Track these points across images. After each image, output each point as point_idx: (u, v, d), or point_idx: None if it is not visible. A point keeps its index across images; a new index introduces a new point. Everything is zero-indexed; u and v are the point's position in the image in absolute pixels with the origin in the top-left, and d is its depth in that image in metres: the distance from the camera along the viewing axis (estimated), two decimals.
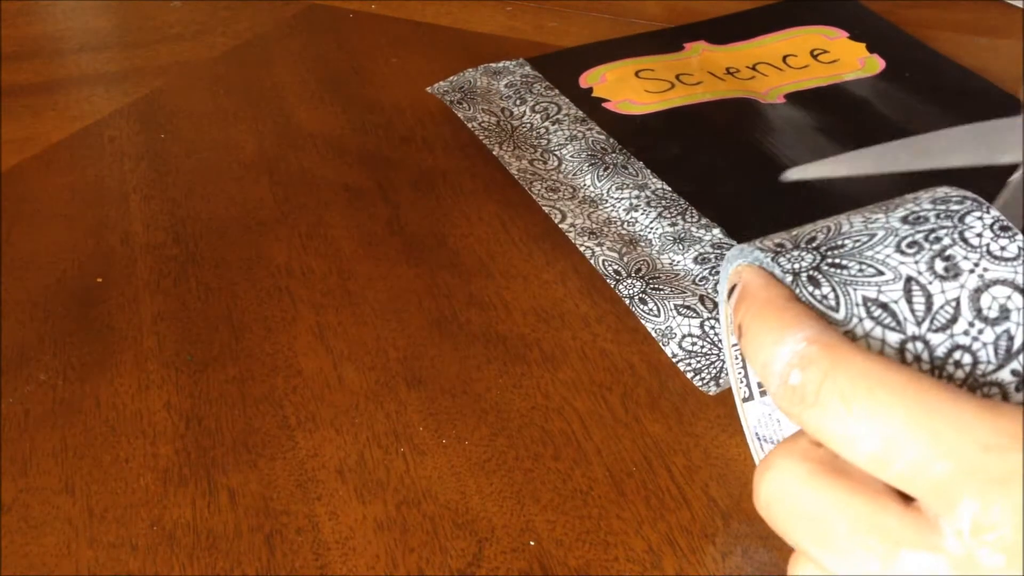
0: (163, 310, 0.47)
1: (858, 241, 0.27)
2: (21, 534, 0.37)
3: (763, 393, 0.35)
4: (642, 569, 0.35)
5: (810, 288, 0.27)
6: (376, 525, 0.37)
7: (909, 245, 0.27)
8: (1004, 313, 0.26)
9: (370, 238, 0.52)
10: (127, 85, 0.67)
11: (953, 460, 0.22)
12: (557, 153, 0.56)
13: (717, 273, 0.46)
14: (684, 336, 0.43)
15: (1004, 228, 0.27)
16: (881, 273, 0.27)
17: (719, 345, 0.42)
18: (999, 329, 0.26)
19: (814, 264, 0.27)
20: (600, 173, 0.54)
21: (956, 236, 0.27)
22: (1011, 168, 0.46)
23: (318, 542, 0.36)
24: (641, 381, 0.43)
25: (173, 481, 0.39)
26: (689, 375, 0.42)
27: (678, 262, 0.48)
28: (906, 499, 0.23)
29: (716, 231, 0.49)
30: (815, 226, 0.29)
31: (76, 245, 0.52)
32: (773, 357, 0.25)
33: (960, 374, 0.26)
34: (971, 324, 0.26)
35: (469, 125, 0.58)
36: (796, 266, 0.27)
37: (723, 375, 0.42)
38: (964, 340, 0.26)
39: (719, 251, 0.48)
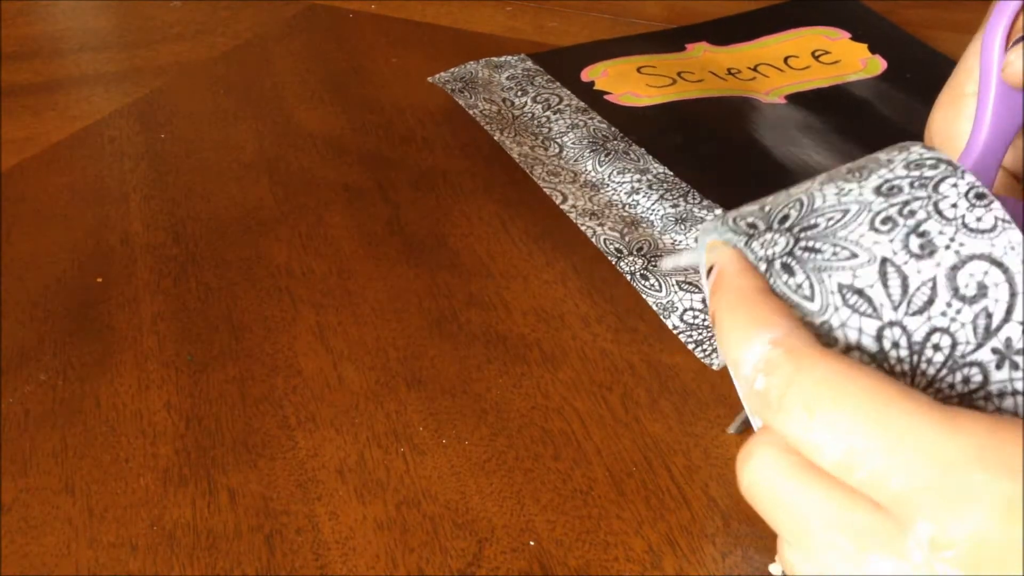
0: (163, 310, 0.47)
1: (831, 219, 0.27)
2: (21, 534, 0.37)
3: None
4: (642, 569, 0.35)
5: (784, 277, 0.26)
6: (376, 525, 0.37)
7: (883, 221, 0.26)
8: (982, 290, 0.25)
9: (370, 238, 0.52)
10: (127, 85, 0.67)
11: (911, 477, 0.22)
12: (558, 140, 0.56)
13: None
14: (686, 310, 0.44)
15: (980, 196, 0.26)
16: (855, 256, 0.26)
17: None
18: (977, 308, 0.25)
19: (787, 249, 0.27)
20: (601, 159, 0.54)
21: (931, 208, 0.26)
22: None
23: (318, 542, 0.36)
24: (641, 381, 0.43)
25: (173, 481, 0.39)
26: (690, 347, 0.42)
27: (680, 242, 0.48)
28: None
29: (719, 211, 0.49)
30: (788, 197, 0.28)
31: (76, 245, 0.51)
32: (741, 359, 0.25)
33: (939, 357, 0.25)
34: (948, 304, 0.25)
35: (470, 112, 0.59)
36: (769, 252, 0.27)
37: None
38: (942, 322, 0.25)
39: None
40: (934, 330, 0.25)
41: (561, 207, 0.51)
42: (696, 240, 0.46)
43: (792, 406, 0.23)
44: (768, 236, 0.27)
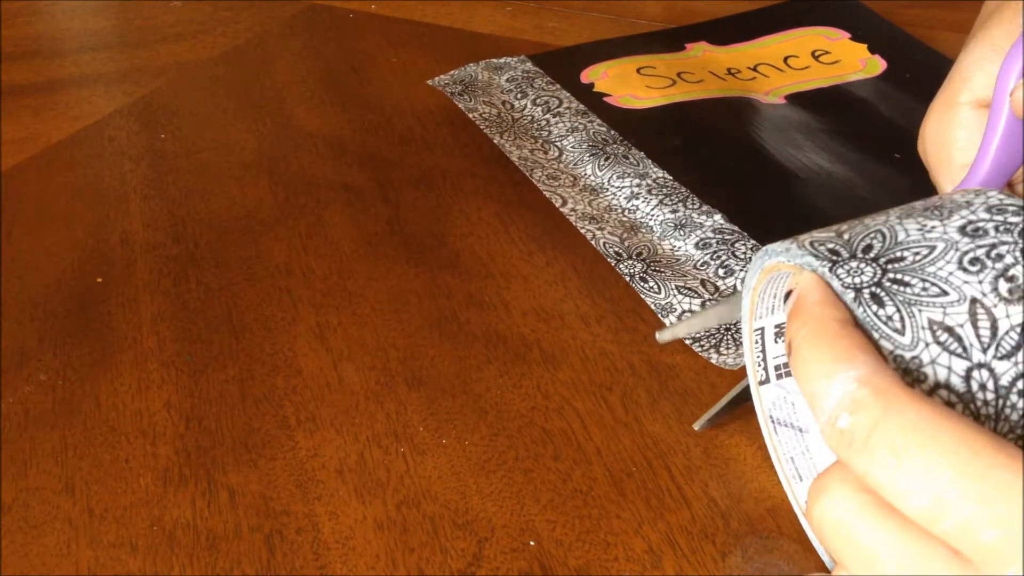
0: (163, 310, 0.47)
1: (918, 254, 0.27)
2: (21, 534, 0.37)
3: (779, 377, 0.35)
4: (642, 569, 0.35)
5: (874, 307, 0.26)
6: (376, 525, 0.37)
7: (972, 262, 0.26)
8: None
9: (370, 238, 0.52)
10: (127, 85, 0.67)
11: (1002, 528, 0.21)
12: (558, 144, 0.56)
13: (718, 258, 0.47)
14: (684, 311, 0.44)
15: None
16: (945, 293, 0.26)
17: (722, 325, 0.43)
18: None
19: (875, 279, 0.26)
20: (601, 163, 0.54)
21: (1018, 254, 0.26)
22: None
23: (318, 542, 0.36)
24: (641, 381, 0.43)
25: (173, 481, 0.39)
26: (688, 341, 0.43)
27: (679, 248, 0.48)
28: None
29: (717, 217, 0.49)
30: (865, 228, 0.28)
31: (76, 245, 0.51)
32: (822, 393, 0.25)
33: (1023, 404, 0.25)
34: None
35: (470, 115, 0.59)
36: (857, 280, 0.26)
37: (723, 345, 0.42)
38: None
39: (720, 236, 0.48)
40: (1020, 376, 0.25)
41: (561, 210, 0.51)
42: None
43: (878, 449, 0.23)
44: (853, 264, 0.27)
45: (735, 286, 0.46)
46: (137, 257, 0.51)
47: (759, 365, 0.35)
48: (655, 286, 0.45)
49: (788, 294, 0.28)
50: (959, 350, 0.25)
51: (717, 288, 0.46)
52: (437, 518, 0.37)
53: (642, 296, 0.45)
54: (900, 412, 0.23)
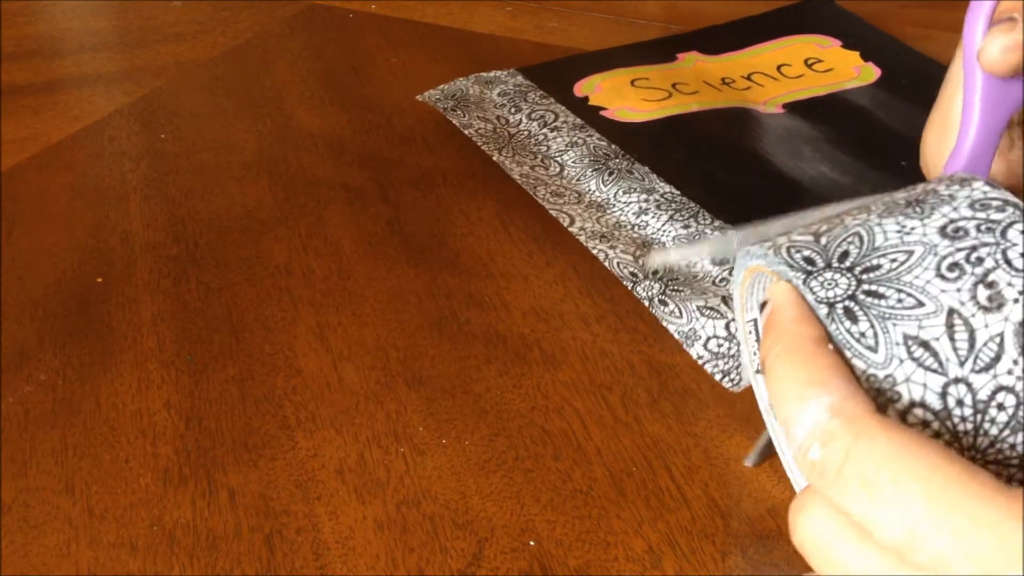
0: (163, 310, 0.47)
1: (895, 260, 0.26)
2: (21, 534, 0.37)
3: None
4: (642, 569, 0.35)
5: (847, 324, 0.25)
6: (376, 525, 0.37)
7: (950, 268, 0.25)
8: None
9: (370, 238, 0.52)
10: (127, 85, 0.67)
11: (977, 563, 0.21)
12: (558, 159, 0.55)
13: None
14: (709, 338, 0.43)
15: None
16: (921, 304, 0.25)
17: None
18: None
19: (849, 292, 0.25)
20: (605, 178, 0.53)
21: (999, 257, 0.25)
22: None
23: (318, 542, 0.36)
24: (641, 381, 0.43)
25: (173, 481, 0.39)
26: (717, 376, 0.42)
27: (696, 263, 0.47)
28: None
29: (731, 232, 0.48)
30: (845, 230, 0.27)
31: (76, 245, 0.52)
32: (794, 419, 0.24)
33: (1003, 417, 0.24)
34: (1015, 362, 0.24)
35: (465, 132, 0.58)
36: (831, 294, 0.26)
37: (732, 372, 0.42)
38: (1008, 380, 0.24)
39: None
40: (999, 388, 0.24)
41: (569, 229, 0.50)
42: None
43: (850, 481, 0.23)
44: (828, 275, 0.26)
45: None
46: (137, 257, 0.51)
47: (755, 354, 0.35)
48: (675, 309, 0.44)
49: (763, 304, 0.27)
50: (935, 365, 0.25)
51: None
52: (437, 518, 0.37)
53: (663, 323, 0.44)
54: (871, 442, 0.23)
